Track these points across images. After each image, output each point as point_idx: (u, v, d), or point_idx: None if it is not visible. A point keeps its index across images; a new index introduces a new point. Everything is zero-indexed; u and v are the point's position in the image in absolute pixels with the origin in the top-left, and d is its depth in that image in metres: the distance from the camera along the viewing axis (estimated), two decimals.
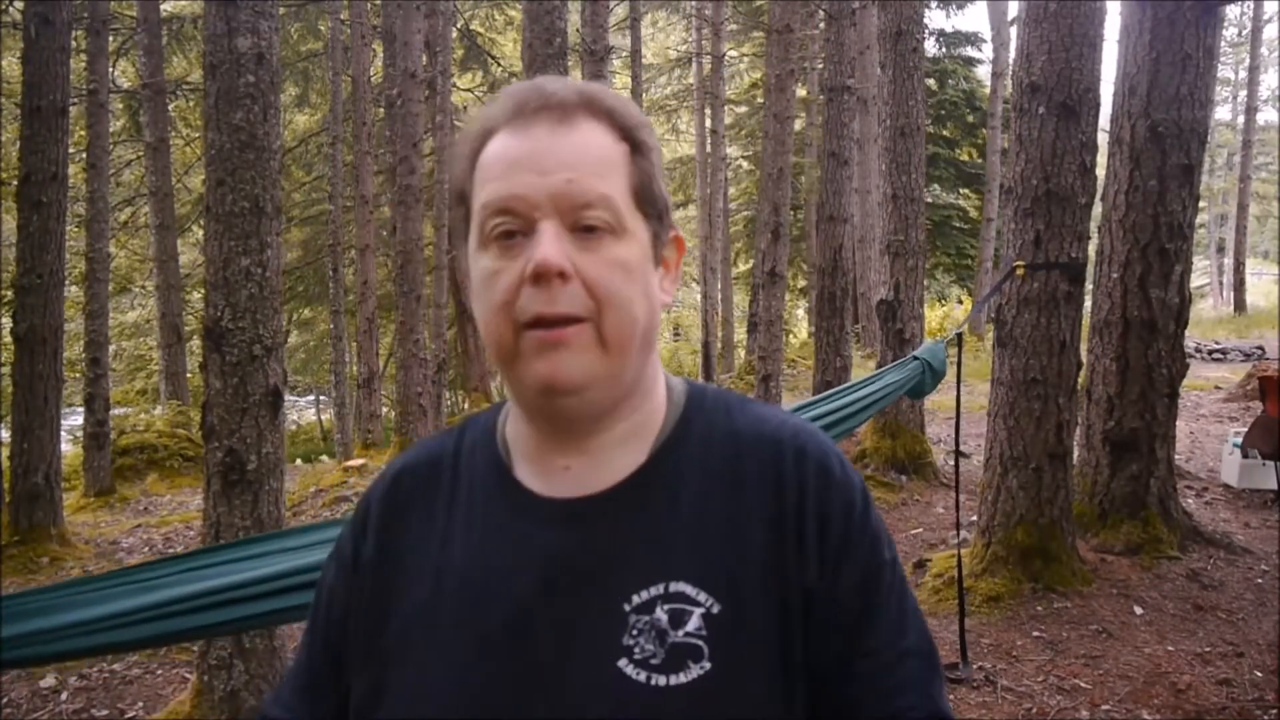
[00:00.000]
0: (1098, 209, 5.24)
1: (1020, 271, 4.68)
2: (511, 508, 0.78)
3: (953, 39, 23.72)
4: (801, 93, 17.55)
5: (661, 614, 0.71)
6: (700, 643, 0.71)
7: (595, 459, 0.77)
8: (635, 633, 0.71)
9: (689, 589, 0.72)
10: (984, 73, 23.12)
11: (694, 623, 0.71)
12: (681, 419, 0.80)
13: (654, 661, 0.70)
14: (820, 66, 14.11)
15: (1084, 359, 5.16)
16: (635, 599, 0.72)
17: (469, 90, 17.41)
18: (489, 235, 0.73)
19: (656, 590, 0.72)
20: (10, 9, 8.88)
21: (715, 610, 0.72)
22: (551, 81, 0.75)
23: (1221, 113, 38.18)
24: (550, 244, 0.70)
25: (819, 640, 0.74)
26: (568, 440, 0.77)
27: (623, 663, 0.70)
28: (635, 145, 0.76)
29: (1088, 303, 5.25)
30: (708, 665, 0.70)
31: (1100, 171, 4.92)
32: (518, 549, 0.76)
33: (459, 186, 0.77)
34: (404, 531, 0.81)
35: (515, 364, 0.73)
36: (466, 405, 17.50)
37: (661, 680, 0.70)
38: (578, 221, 0.71)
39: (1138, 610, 4.34)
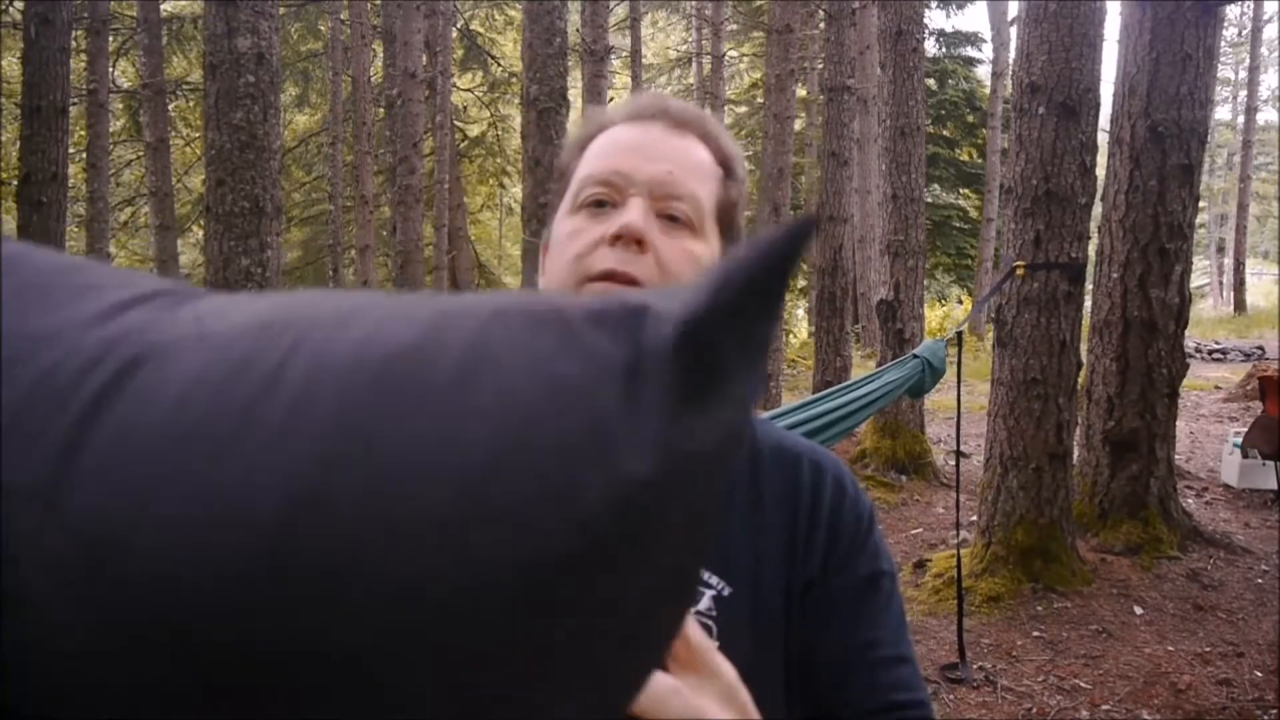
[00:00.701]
0: (1098, 209, 5.24)
1: (1020, 271, 4.68)
2: None
3: (953, 39, 23.71)
4: (801, 93, 17.55)
5: None
6: (710, 622, 0.73)
7: None
8: None
9: (703, 573, 0.74)
10: (984, 73, 23.10)
11: (705, 603, 0.73)
12: None
13: None
14: (820, 66, 14.11)
15: (1084, 359, 5.16)
16: None
17: (469, 90, 17.42)
18: (581, 201, 0.78)
19: None
20: (10, 9, 8.87)
21: (726, 593, 0.74)
22: (671, 98, 0.85)
23: (1221, 113, 38.16)
24: (637, 213, 0.75)
25: (819, 628, 0.77)
26: None
27: None
28: (729, 171, 0.83)
29: (1088, 303, 5.25)
30: (715, 644, 0.71)
31: (1100, 171, 4.92)
32: None
33: (564, 166, 0.84)
34: None
35: None
36: None
37: None
38: (664, 209, 0.77)
39: (1138, 610, 4.34)
